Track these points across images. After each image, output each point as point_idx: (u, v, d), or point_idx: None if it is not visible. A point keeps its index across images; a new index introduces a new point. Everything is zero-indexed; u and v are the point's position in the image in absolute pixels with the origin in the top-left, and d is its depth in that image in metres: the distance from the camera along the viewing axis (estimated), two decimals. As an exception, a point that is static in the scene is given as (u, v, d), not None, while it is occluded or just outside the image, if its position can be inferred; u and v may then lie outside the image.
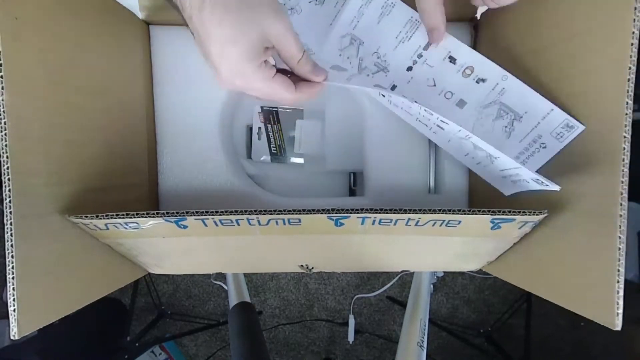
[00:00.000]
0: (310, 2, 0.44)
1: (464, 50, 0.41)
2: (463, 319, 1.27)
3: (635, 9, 0.28)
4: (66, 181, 0.38)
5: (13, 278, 0.31)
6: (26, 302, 0.32)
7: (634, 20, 0.28)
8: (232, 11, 0.26)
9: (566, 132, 0.36)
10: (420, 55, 0.43)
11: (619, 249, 0.31)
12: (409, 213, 0.33)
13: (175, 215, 0.35)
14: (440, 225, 0.35)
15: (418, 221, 0.34)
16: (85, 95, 0.40)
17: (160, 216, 0.35)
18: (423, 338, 0.57)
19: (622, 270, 0.31)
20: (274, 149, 0.59)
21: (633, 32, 0.29)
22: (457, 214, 0.32)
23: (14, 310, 0.31)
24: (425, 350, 0.56)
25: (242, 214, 0.34)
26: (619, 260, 0.31)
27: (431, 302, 0.65)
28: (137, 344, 1.06)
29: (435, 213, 0.32)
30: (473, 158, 0.42)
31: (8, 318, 0.31)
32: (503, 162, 0.37)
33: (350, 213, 0.33)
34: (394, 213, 0.33)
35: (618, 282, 0.31)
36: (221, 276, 1.03)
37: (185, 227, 0.37)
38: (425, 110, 0.38)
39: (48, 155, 0.35)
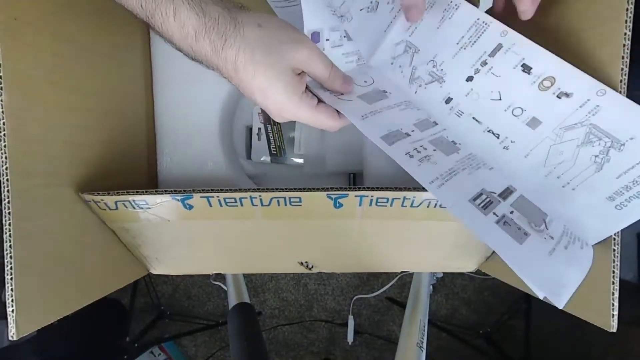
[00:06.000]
0: (362, 9, 0.41)
1: (544, 57, 0.33)
2: (462, 320, 1.27)
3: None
4: (65, 182, 0.38)
5: (12, 279, 0.31)
6: (25, 303, 0.32)
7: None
8: (260, 62, 0.29)
9: None
10: (484, 63, 0.35)
11: (614, 250, 0.31)
12: (404, 191, 0.36)
13: (182, 193, 0.37)
14: (435, 207, 0.38)
15: (413, 201, 0.37)
16: (85, 95, 0.40)
17: (168, 194, 0.37)
18: (422, 339, 0.57)
19: (617, 272, 0.31)
20: (274, 149, 0.59)
21: None
22: None
23: (13, 311, 0.31)
24: (424, 351, 0.56)
25: (246, 192, 0.37)
26: (614, 263, 0.31)
27: (431, 303, 0.65)
28: (136, 345, 1.06)
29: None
30: (559, 176, 0.33)
31: (6, 319, 0.31)
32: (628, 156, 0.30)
33: (348, 191, 0.37)
34: (390, 191, 0.36)
35: (613, 284, 0.31)
36: (220, 277, 1.03)
37: (190, 207, 0.39)
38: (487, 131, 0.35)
39: (47, 156, 0.35)
